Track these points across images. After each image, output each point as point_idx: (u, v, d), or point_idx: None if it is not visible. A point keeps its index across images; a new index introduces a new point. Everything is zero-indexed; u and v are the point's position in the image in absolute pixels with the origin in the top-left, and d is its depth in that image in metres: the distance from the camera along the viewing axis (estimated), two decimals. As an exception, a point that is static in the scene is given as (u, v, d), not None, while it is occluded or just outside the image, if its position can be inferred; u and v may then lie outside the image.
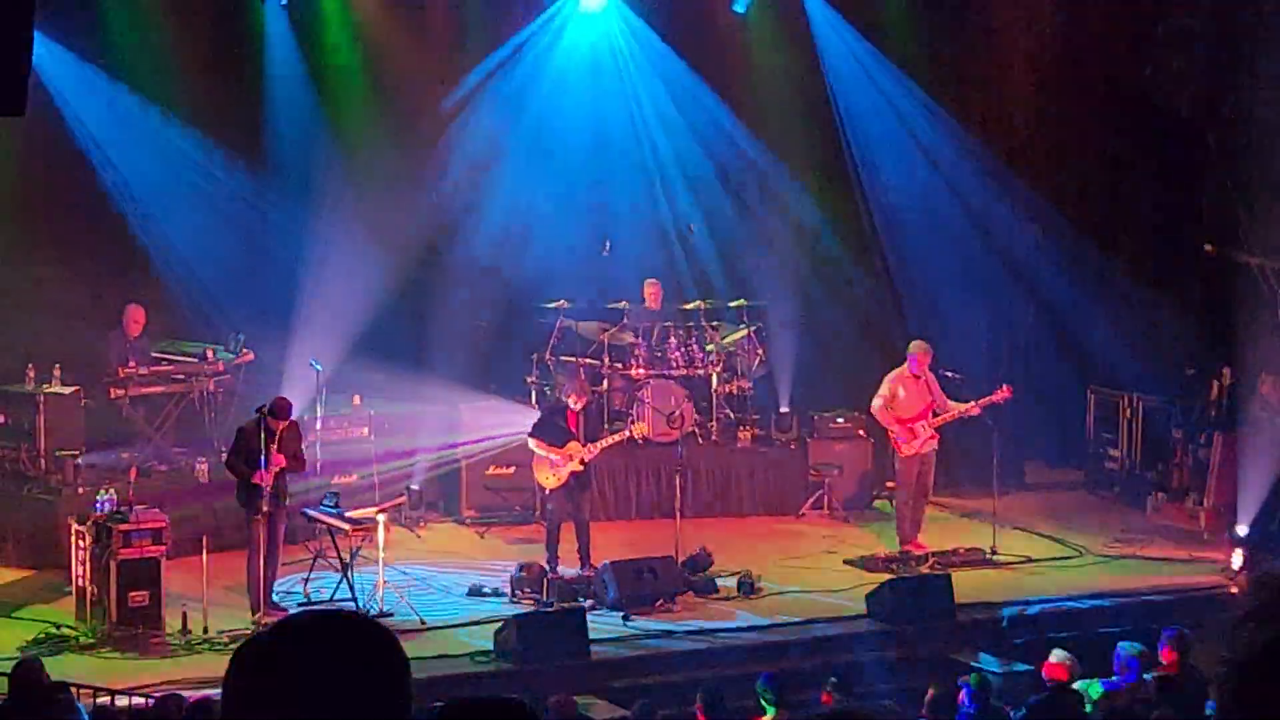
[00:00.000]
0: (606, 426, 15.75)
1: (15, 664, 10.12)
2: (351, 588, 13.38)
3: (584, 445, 14.48)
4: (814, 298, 18.52)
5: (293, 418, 13.56)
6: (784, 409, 17.77)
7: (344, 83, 17.97)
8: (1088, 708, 10.02)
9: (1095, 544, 16.07)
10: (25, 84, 7.17)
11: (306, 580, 13.79)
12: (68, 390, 15.33)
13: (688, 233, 18.47)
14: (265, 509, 13.07)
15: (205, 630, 12.78)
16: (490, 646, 12.63)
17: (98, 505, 13.05)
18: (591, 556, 14.48)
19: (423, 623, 13.23)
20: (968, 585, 14.29)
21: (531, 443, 14.68)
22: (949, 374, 15.91)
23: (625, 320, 17.26)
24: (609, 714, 11.54)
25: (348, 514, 13.77)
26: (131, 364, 15.67)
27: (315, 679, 2.47)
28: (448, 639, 13.03)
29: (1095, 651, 11.38)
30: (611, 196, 18.39)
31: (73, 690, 9.98)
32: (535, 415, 15.33)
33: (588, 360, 17.10)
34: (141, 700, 10.81)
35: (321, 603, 13.26)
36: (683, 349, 17.27)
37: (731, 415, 17.57)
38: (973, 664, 12.46)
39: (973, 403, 15.52)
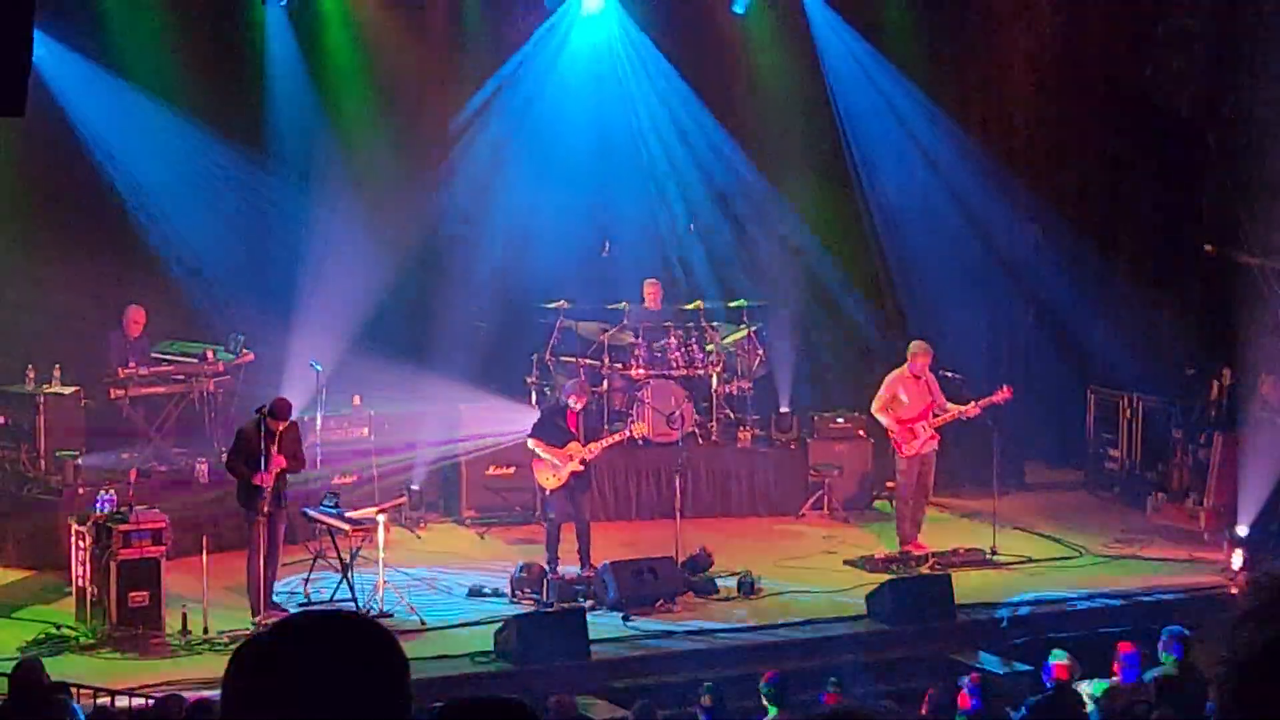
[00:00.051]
0: (606, 427, 15.75)
1: (15, 664, 10.12)
2: (351, 588, 13.38)
3: (584, 446, 14.48)
4: (814, 298, 18.53)
5: (292, 418, 13.55)
6: (784, 409, 17.77)
7: (345, 83, 17.96)
8: (1090, 708, 10.02)
9: (1095, 544, 16.07)
10: (25, 84, 7.16)
11: (307, 581, 13.80)
12: (68, 391, 15.34)
13: (689, 231, 18.48)
14: (266, 510, 13.07)
15: (205, 631, 12.77)
16: (490, 647, 12.63)
17: (98, 506, 13.05)
18: (591, 557, 14.48)
19: (423, 623, 13.23)
20: (968, 585, 14.29)
21: (531, 443, 14.67)
22: (949, 375, 15.90)
23: (625, 321, 17.26)
24: (609, 714, 11.55)
25: (348, 514, 13.77)
26: (131, 364, 15.67)
27: (315, 679, 2.47)
28: (448, 639, 13.03)
29: (1095, 651, 11.39)
30: (611, 197, 18.38)
31: (73, 691, 9.98)
32: (535, 415, 15.33)
33: (588, 360, 17.10)
34: (141, 701, 10.80)
35: (321, 603, 13.25)
36: (683, 349, 17.27)
37: (731, 415, 17.57)
38: (973, 664, 12.46)
39: (972, 404, 15.51)
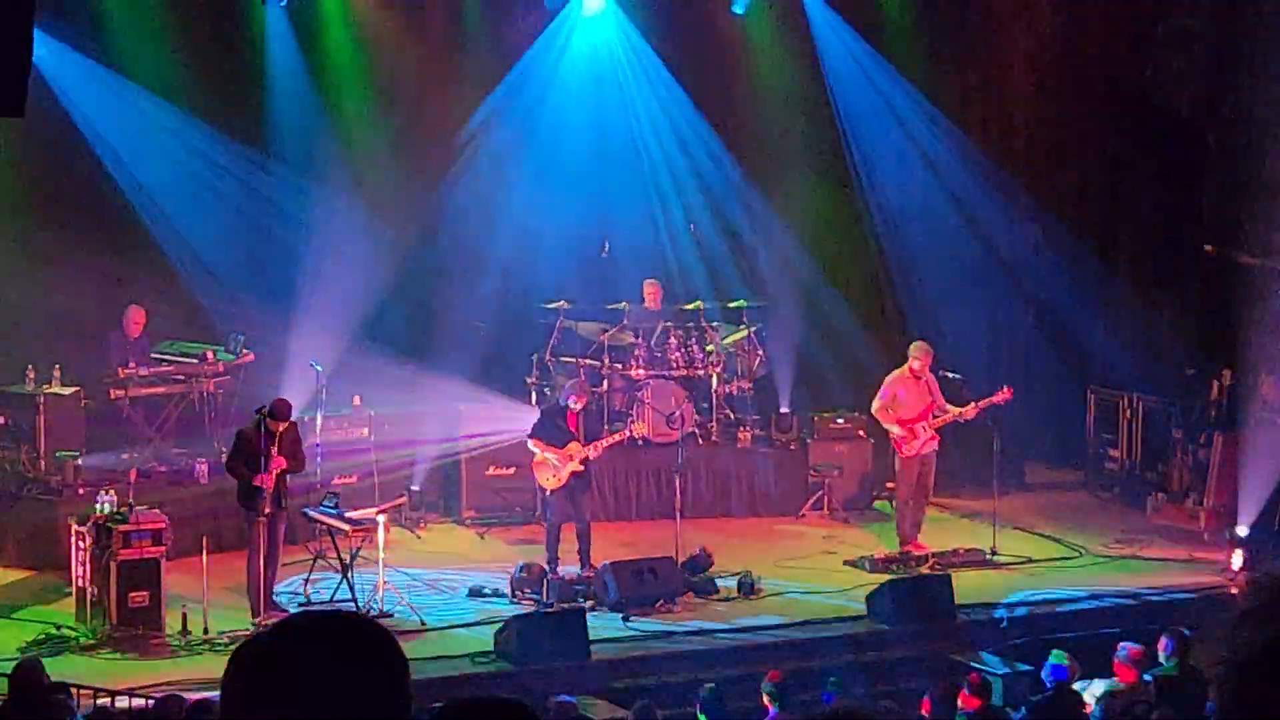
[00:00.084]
0: (606, 427, 15.75)
1: (15, 665, 10.12)
2: (351, 588, 13.38)
3: (584, 446, 14.48)
4: (814, 298, 18.52)
5: (292, 419, 13.55)
6: (784, 409, 17.77)
7: (345, 83, 17.96)
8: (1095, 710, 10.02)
9: (1095, 544, 16.07)
10: (25, 85, 7.16)
11: (307, 581, 13.80)
12: (68, 391, 15.34)
13: (690, 231, 18.48)
14: (266, 511, 13.07)
15: (205, 631, 12.77)
16: (490, 647, 12.63)
17: (98, 506, 13.05)
18: (591, 557, 14.48)
19: (423, 623, 13.23)
20: (968, 586, 14.28)
21: (531, 444, 14.68)
22: (949, 375, 15.90)
23: (625, 321, 17.26)
24: (609, 714, 11.54)
25: (348, 514, 13.76)
26: (131, 365, 15.67)
27: (314, 679, 2.46)
28: (448, 640, 13.03)
29: (1095, 651, 11.39)
30: (611, 197, 18.38)
31: (73, 691, 9.98)
32: (535, 416, 15.33)
33: (588, 361, 17.10)
34: (141, 701, 10.80)
35: (321, 603, 13.25)
36: (683, 349, 17.27)
37: (731, 416, 17.57)
38: (973, 664, 12.45)
39: (970, 405, 15.51)
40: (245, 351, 16.21)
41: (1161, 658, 10.71)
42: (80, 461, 14.83)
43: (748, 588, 14.32)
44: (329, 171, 17.31)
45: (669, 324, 17.40)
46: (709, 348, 17.41)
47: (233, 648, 2.65)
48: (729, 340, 17.60)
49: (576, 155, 18.24)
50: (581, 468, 14.47)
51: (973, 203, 18.77)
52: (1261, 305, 16.92)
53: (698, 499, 16.69)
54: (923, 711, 10.18)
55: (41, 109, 13.26)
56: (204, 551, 12.95)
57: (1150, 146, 19.16)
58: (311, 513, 13.98)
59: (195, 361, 16.04)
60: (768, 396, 17.87)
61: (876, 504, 17.45)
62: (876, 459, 17.16)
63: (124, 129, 16.69)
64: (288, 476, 13.35)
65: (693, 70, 18.71)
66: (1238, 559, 14.88)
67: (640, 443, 16.27)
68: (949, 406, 15.53)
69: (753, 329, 17.60)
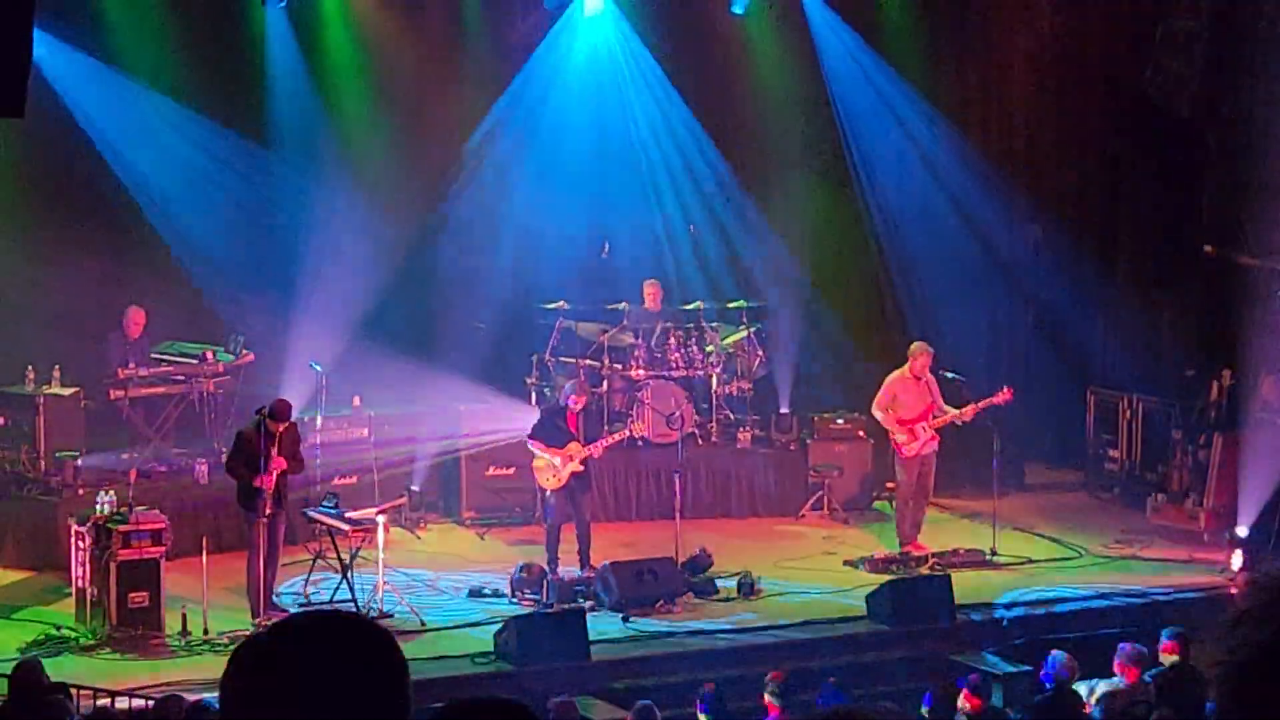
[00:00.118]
0: (606, 428, 15.74)
1: (15, 665, 10.12)
2: (351, 589, 13.38)
3: (584, 446, 14.48)
4: (814, 299, 18.52)
5: (292, 419, 13.55)
6: (784, 410, 17.77)
7: (345, 83, 17.95)
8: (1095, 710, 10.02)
9: (1095, 545, 16.07)
10: (25, 85, 7.16)
11: (307, 581, 13.80)
12: (67, 392, 15.34)
13: (690, 232, 18.48)
14: (267, 512, 13.06)
15: (205, 631, 12.77)
16: (490, 648, 12.63)
17: (97, 506, 13.04)
18: (591, 558, 14.48)
19: (423, 624, 13.22)
20: (968, 586, 14.28)
21: (531, 444, 14.68)
22: (950, 376, 15.90)
23: (625, 321, 17.26)
24: (609, 715, 11.55)
25: (347, 515, 13.76)
26: (131, 365, 15.67)
27: (314, 679, 2.47)
28: (448, 640, 13.03)
29: (1095, 651, 11.39)
30: (611, 197, 18.38)
31: (73, 691, 9.98)
32: (535, 416, 15.33)
33: (587, 361, 17.10)
34: (141, 702, 10.80)
35: (321, 604, 13.25)
36: (682, 350, 17.27)
37: (731, 416, 17.57)
38: (973, 664, 12.45)
39: (969, 406, 15.51)
40: (245, 352, 16.21)
41: (1161, 658, 10.72)
42: (80, 462, 14.83)
43: (748, 588, 14.32)
44: (329, 171, 17.30)
45: (669, 324, 17.40)
46: (709, 348, 17.41)
47: (232, 648, 2.64)
48: (729, 341, 17.60)
49: (577, 156, 18.23)
50: (581, 468, 14.47)
51: (972, 203, 18.77)
52: (1261, 306, 16.92)
53: (697, 499, 16.69)
54: (923, 712, 10.18)
55: (41, 109, 13.24)
56: (204, 552, 12.95)
57: (1150, 146, 19.15)
58: (311, 513, 13.98)
59: (195, 362, 16.03)
60: (767, 397, 17.87)
61: (876, 504, 17.45)
62: (876, 459, 17.16)
63: (124, 129, 16.67)
64: (288, 477, 13.35)
65: (692, 71, 18.70)
66: (1237, 559, 14.89)
67: (640, 443, 16.27)
68: (948, 408, 15.53)
69: (752, 329, 17.61)
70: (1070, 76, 19.29)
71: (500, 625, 12.73)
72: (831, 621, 13.77)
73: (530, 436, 14.74)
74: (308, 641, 2.52)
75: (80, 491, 14.43)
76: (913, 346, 15.81)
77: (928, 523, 15.84)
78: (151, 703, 10.42)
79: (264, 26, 17.46)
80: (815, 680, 11.13)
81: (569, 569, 14.43)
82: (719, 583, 14.45)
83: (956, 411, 15.50)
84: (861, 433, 17.32)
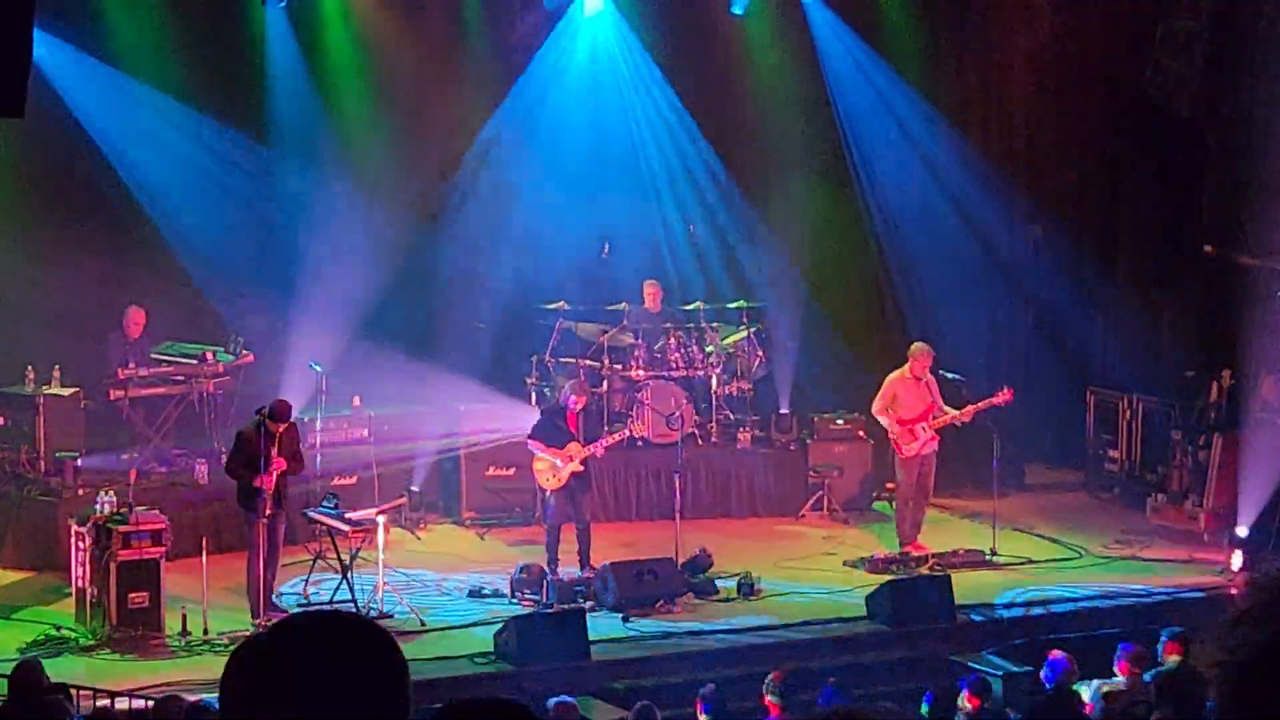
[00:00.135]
0: (606, 428, 15.74)
1: (15, 666, 10.11)
2: (351, 589, 13.38)
3: (584, 446, 14.48)
4: (814, 299, 18.51)
5: (292, 420, 13.54)
6: (784, 410, 17.77)
7: (346, 83, 17.94)
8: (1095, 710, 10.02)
9: (1095, 545, 16.07)
10: (25, 85, 7.16)
11: (307, 582, 13.80)
12: (67, 392, 15.34)
13: (689, 232, 18.48)
14: (267, 512, 13.06)
15: (205, 632, 12.77)
16: (490, 648, 12.63)
17: (97, 507, 13.04)
18: (591, 558, 14.48)
19: (422, 624, 13.23)
20: (968, 586, 14.28)
21: (531, 444, 14.68)
22: (950, 376, 15.90)
23: (625, 322, 17.26)
24: (609, 715, 11.54)
25: (347, 515, 13.76)
26: (131, 366, 15.67)
27: (314, 680, 2.46)
28: (448, 640, 13.02)
29: (1095, 651, 11.39)
30: (611, 197, 18.37)
31: (72, 692, 9.98)
32: (535, 416, 15.33)
33: (587, 362, 17.09)
34: (141, 702, 10.80)
35: (321, 604, 13.25)
36: (682, 350, 17.27)
37: (731, 416, 17.57)
38: (973, 664, 12.45)
39: (968, 408, 15.51)
40: (245, 352, 16.20)
41: (1162, 658, 10.72)
42: (80, 462, 14.83)
43: (748, 588, 14.32)
44: (329, 172, 17.31)
45: (669, 325, 17.40)
46: (709, 349, 17.41)
47: (232, 648, 2.64)
48: (728, 341, 17.59)
49: (577, 156, 18.23)
50: (581, 468, 14.47)
51: (972, 203, 18.77)
52: (1261, 306, 16.92)
53: (697, 500, 16.69)
54: (922, 712, 10.18)
55: (41, 109, 13.24)
56: (204, 552, 12.95)
57: (1150, 146, 19.15)
58: (311, 513, 13.98)
59: (195, 362, 16.03)
60: (767, 397, 17.87)
61: (876, 505, 17.45)
62: (876, 460, 17.16)
63: (124, 129, 16.67)
64: (288, 478, 13.34)
65: (692, 71, 18.69)
66: (1237, 560, 14.89)
67: (640, 443, 16.28)
68: (947, 409, 15.53)
69: (752, 330, 17.60)
70: (1070, 76, 19.29)
71: (500, 625, 12.73)
72: (831, 621, 13.76)
73: (530, 437, 14.74)
74: (308, 642, 2.52)
75: (80, 491, 14.43)
76: (913, 347, 15.81)
77: (928, 523, 15.84)
78: (151, 703, 10.42)
79: (264, 26, 17.46)
80: (815, 680, 11.13)
81: (569, 569, 14.42)
82: (719, 583, 14.45)
83: (956, 412, 15.51)
84: (861, 433, 17.32)
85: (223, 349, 16.23)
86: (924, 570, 14.85)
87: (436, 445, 16.50)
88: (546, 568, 14.24)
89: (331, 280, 16.38)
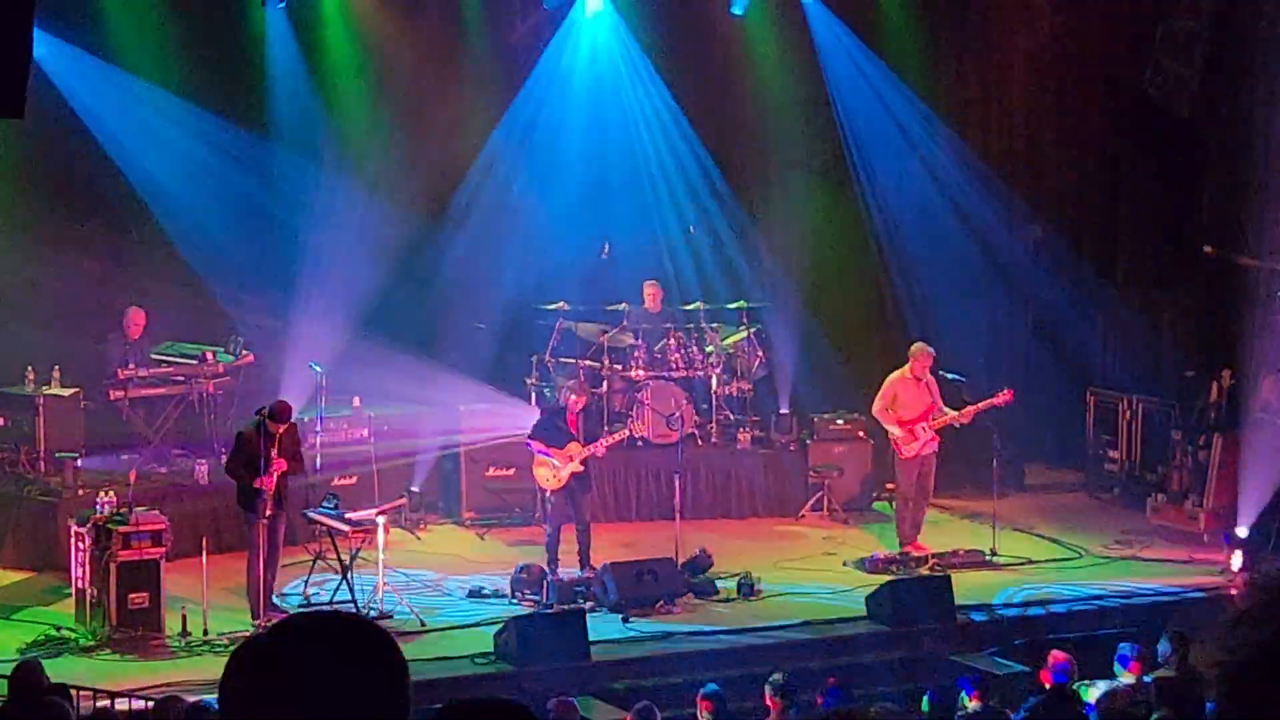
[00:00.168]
0: (606, 428, 15.74)
1: (15, 666, 10.11)
2: (351, 589, 13.38)
3: (584, 446, 14.48)
4: (814, 299, 18.50)
5: (292, 420, 13.54)
6: (784, 410, 17.77)
7: (346, 83, 17.94)
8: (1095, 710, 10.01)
9: (1095, 545, 16.07)
10: (25, 85, 7.16)
11: (307, 582, 13.80)
12: (67, 392, 15.34)
13: (688, 232, 18.48)
14: (267, 513, 13.06)
15: (205, 632, 12.77)
16: (490, 648, 12.63)
17: (97, 507, 13.04)
18: (591, 558, 14.48)
19: (422, 624, 13.22)
20: (968, 586, 14.29)
21: (531, 445, 14.67)
22: (950, 377, 15.89)
23: (625, 322, 17.26)
24: (609, 715, 11.54)
25: (347, 515, 13.76)
26: (131, 366, 15.67)
27: (313, 680, 2.47)
28: (447, 640, 13.02)
29: (1095, 651, 11.39)
30: (611, 198, 18.38)
31: (72, 693, 9.97)
32: (535, 416, 15.33)
33: (587, 362, 17.09)
34: (141, 703, 10.80)
35: (321, 604, 13.25)
36: (682, 350, 17.27)
37: (731, 417, 17.57)
38: (973, 664, 12.45)
39: (969, 408, 15.51)
40: (245, 353, 16.20)
41: (1161, 658, 10.71)
42: (80, 463, 14.81)
43: (747, 589, 14.32)
44: (329, 172, 17.30)
45: (669, 325, 17.40)
46: (709, 349, 17.41)
47: (232, 649, 2.64)
48: (728, 341, 17.59)
49: (577, 156, 18.24)
50: (581, 468, 14.47)
51: (972, 203, 18.77)
52: (1261, 306, 16.93)
53: (697, 500, 16.69)
54: (922, 712, 10.17)
55: (41, 108, 13.23)
56: (204, 553, 12.95)
57: (1150, 146, 19.16)
58: (311, 514, 13.98)
59: (195, 363, 16.03)
60: (767, 398, 17.87)
61: (876, 505, 17.45)
62: (876, 460, 17.16)
63: (125, 129, 16.66)
64: (288, 478, 13.34)
65: (692, 71, 18.70)
66: (1237, 560, 14.89)
67: (640, 443, 16.28)
68: (947, 410, 15.53)
69: (752, 330, 17.60)
70: (1070, 76, 19.29)
71: (500, 626, 12.73)
72: (831, 621, 13.77)
73: (530, 437, 14.74)
74: (307, 642, 2.52)
75: (80, 492, 14.42)
76: (913, 347, 15.81)
77: (928, 523, 15.84)
78: (151, 704, 10.42)
79: (264, 26, 17.46)
80: (815, 680, 11.12)
81: (569, 569, 14.42)
82: (719, 583, 14.45)
83: (956, 413, 15.51)
84: (861, 433, 17.32)
85: (222, 349, 16.23)
86: (924, 570, 14.86)
87: (436, 445, 16.50)
88: (546, 568, 14.24)
89: (332, 280, 16.38)
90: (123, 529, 12.74)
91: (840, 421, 17.48)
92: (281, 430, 13.16)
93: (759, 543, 16.07)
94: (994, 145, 19.04)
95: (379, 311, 16.79)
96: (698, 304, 17.50)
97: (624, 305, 17.26)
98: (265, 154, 17.38)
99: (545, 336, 17.34)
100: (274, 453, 13.06)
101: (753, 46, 18.86)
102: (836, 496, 17.13)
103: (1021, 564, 15.43)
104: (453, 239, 18.14)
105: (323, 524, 13.80)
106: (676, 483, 15.16)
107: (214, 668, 11.38)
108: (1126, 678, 10.60)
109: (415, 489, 16.34)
